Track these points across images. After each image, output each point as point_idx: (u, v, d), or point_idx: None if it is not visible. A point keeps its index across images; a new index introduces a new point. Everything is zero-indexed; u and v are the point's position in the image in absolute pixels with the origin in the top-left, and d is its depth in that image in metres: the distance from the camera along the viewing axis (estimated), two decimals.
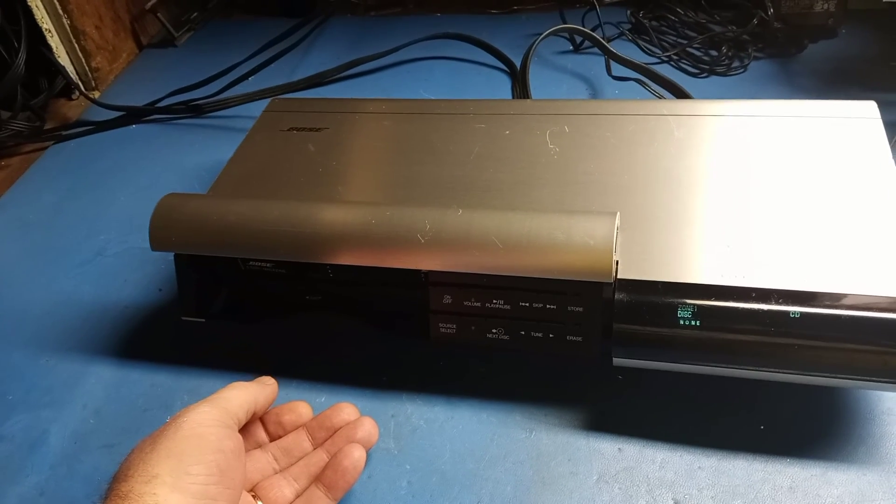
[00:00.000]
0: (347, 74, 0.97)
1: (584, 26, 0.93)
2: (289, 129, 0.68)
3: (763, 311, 0.45)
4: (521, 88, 0.86)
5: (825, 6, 0.88)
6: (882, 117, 0.57)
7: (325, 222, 0.52)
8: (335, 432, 0.50)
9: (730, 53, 0.90)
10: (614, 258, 0.47)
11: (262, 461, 0.49)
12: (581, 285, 0.49)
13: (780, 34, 0.90)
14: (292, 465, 0.49)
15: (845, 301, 0.45)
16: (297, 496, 0.47)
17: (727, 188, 0.54)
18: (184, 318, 0.59)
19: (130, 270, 0.71)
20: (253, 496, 0.46)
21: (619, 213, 0.49)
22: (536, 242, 0.48)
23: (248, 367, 0.58)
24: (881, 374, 0.44)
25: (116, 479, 0.40)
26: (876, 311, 0.44)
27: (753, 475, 0.48)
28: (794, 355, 0.45)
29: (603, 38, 0.88)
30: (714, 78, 0.88)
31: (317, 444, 0.50)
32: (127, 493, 0.38)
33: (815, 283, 0.46)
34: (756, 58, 0.90)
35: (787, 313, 0.45)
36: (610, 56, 0.84)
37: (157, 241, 0.56)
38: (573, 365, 0.56)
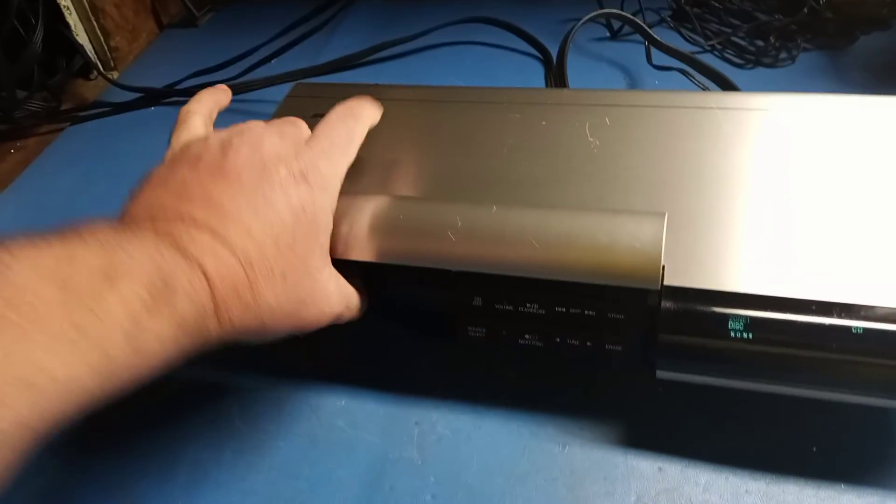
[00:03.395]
0: (374, 59, 0.94)
1: (623, 11, 0.89)
2: (313, 116, 0.64)
3: (823, 325, 0.41)
4: (557, 76, 0.82)
5: None
6: None
7: (348, 216, 0.49)
8: None
9: (777, 44, 0.85)
10: (662, 264, 0.44)
11: None
12: (623, 291, 0.45)
13: (831, 24, 0.85)
14: None
15: None
16: None
17: (781, 189, 0.50)
18: None
19: None
20: None
21: (667, 215, 0.45)
22: (577, 244, 0.45)
23: (264, 367, 0.55)
24: None
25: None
26: None
27: (804, 501, 0.44)
28: (855, 374, 0.41)
29: (644, 24, 0.84)
30: (760, 69, 0.83)
31: None
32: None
33: (881, 296, 0.42)
34: (805, 49, 0.85)
35: (849, 328, 0.41)
36: (652, 43, 0.80)
37: None
38: (611, 376, 0.52)
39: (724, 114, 0.57)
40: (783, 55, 0.84)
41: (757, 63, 0.84)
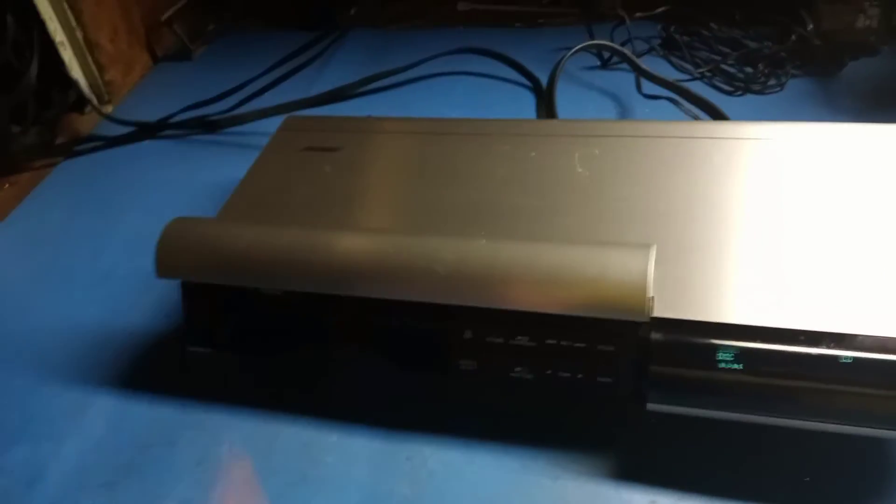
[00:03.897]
0: (367, 90, 0.94)
1: (612, 41, 0.89)
2: (304, 149, 0.65)
3: (812, 355, 0.42)
4: (547, 107, 0.82)
5: (867, 22, 0.84)
6: None
7: (339, 251, 0.49)
8: None
9: (766, 71, 0.86)
10: (650, 295, 0.43)
11: None
12: (613, 323, 0.45)
13: (820, 51, 0.86)
14: None
15: None
16: None
17: (770, 219, 0.50)
18: (190, 349, 0.56)
19: (138, 294, 0.68)
20: None
21: (655, 246, 0.45)
22: (566, 277, 0.45)
23: (256, 402, 0.55)
24: None
25: None
26: None
27: None
28: (845, 404, 0.41)
29: (633, 54, 0.84)
30: (749, 96, 0.84)
31: None
32: None
33: (868, 326, 0.42)
34: (794, 76, 0.86)
35: (837, 358, 0.41)
36: (641, 74, 0.81)
37: (164, 267, 0.53)
38: (603, 408, 0.52)
39: (714, 143, 0.58)
40: (772, 82, 0.85)
41: (746, 90, 0.84)
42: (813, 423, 0.42)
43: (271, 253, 0.50)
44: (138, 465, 0.53)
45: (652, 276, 0.44)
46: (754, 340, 0.43)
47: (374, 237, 0.50)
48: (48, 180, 0.87)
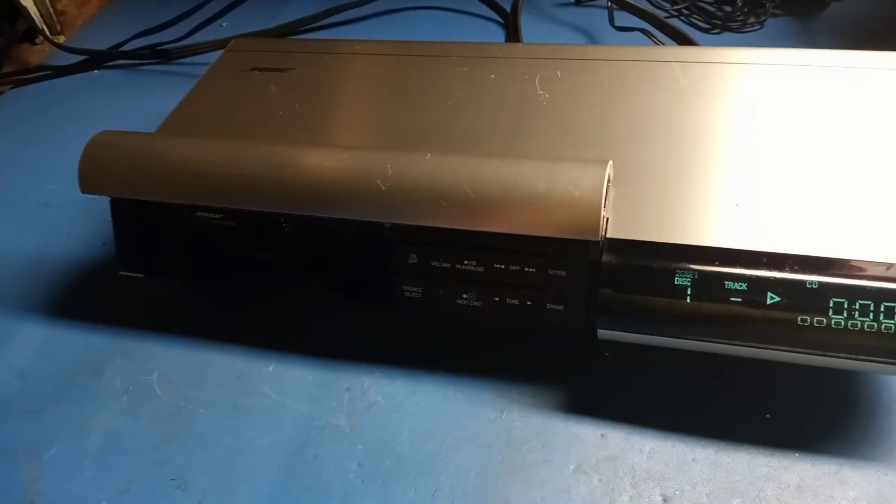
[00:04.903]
0: (329, 22, 0.90)
1: None
2: (250, 70, 0.61)
3: (775, 279, 0.39)
4: (512, 32, 0.78)
5: None
6: None
7: (275, 165, 0.45)
8: None
9: (745, 9, 0.82)
10: (603, 214, 0.40)
11: None
12: (564, 245, 0.42)
13: None
14: None
15: (871, 271, 0.38)
16: None
17: (737, 142, 0.47)
18: (122, 274, 0.53)
19: (75, 223, 0.64)
20: None
21: (611, 162, 0.42)
22: (514, 192, 0.41)
23: (188, 330, 0.52)
24: None
25: None
26: None
27: (756, 471, 0.41)
28: (810, 332, 0.38)
29: None
30: (727, 35, 0.81)
31: None
32: None
33: (836, 249, 0.39)
34: (774, 14, 0.82)
35: (803, 283, 0.38)
36: (614, 2, 0.77)
37: (88, 181, 0.49)
38: (554, 338, 0.49)
39: (682, 67, 0.54)
40: (752, 20, 0.81)
41: (724, 28, 0.81)
42: (775, 352, 0.39)
43: (203, 166, 0.47)
44: (64, 393, 0.50)
45: (606, 192, 0.40)
46: (713, 264, 0.40)
47: (313, 151, 0.46)
48: None
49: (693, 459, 0.42)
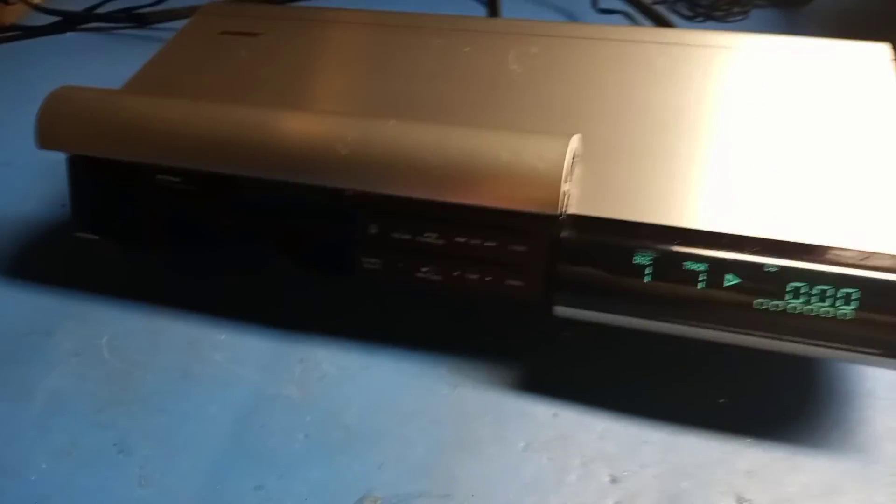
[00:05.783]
0: None
1: None
2: (220, 33, 0.60)
3: (734, 261, 0.38)
4: (490, 7, 0.77)
5: None
6: None
7: (230, 124, 0.44)
8: None
9: None
10: (564, 187, 0.39)
11: None
12: (526, 220, 0.41)
13: None
14: None
15: (832, 256, 0.37)
16: None
17: (708, 124, 0.46)
18: (76, 235, 0.51)
19: (36, 183, 0.63)
20: None
21: (578, 136, 0.41)
22: (476, 161, 0.40)
23: (142, 295, 0.51)
24: (868, 344, 0.37)
25: None
26: (868, 270, 0.36)
27: (707, 454, 0.40)
28: (766, 316, 0.38)
29: None
30: (711, 23, 0.80)
31: None
32: None
33: (800, 233, 0.38)
34: (759, 6, 0.82)
35: (761, 266, 0.37)
36: None
37: (46, 136, 0.48)
38: (514, 315, 0.48)
39: (659, 48, 0.53)
40: (736, 10, 0.81)
41: (708, 17, 0.80)
42: (731, 334, 0.39)
43: (162, 124, 0.46)
44: (12, 353, 0.49)
45: (569, 166, 0.40)
46: (673, 243, 0.39)
47: (275, 113, 0.45)
48: None
49: (645, 441, 0.41)
